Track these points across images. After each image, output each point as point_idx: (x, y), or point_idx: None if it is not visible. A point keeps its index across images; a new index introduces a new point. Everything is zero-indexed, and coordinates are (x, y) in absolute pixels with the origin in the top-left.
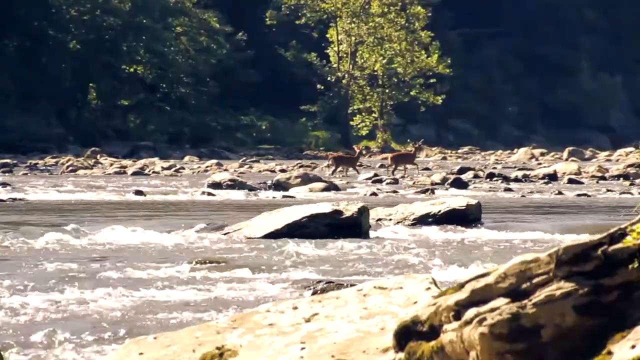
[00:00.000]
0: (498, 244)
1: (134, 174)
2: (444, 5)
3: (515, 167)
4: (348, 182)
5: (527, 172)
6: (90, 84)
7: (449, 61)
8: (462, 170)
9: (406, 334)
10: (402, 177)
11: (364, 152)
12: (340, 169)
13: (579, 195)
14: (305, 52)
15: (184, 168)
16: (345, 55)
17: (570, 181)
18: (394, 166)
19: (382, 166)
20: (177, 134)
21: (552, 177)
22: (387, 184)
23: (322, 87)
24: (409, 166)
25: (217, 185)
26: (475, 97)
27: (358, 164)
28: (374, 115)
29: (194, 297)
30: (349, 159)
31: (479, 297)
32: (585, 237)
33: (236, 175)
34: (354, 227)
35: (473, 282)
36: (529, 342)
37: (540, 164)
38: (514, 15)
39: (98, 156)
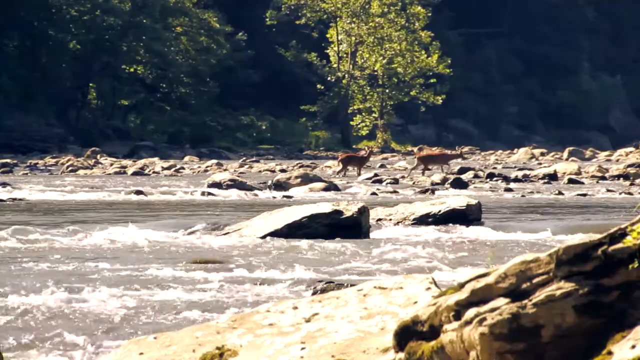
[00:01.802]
0: (498, 244)
1: (134, 174)
2: (444, 5)
3: (515, 167)
4: (348, 182)
5: (527, 172)
6: (90, 84)
7: (449, 61)
8: (462, 170)
9: (406, 334)
10: (411, 175)
11: (374, 152)
12: (348, 169)
13: (579, 195)
14: (305, 52)
15: (184, 168)
16: (345, 55)
17: (570, 181)
18: (422, 165)
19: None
20: (177, 134)
21: (552, 177)
22: (387, 184)
23: (322, 87)
24: (436, 167)
25: (217, 185)
26: (475, 97)
27: (367, 164)
28: (374, 115)
29: (194, 297)
30: (357, 159)
31: (479, 297)
32: (585, 237)
33: (236, 175)
34: (354, 227)
35: (473, 282)
36: (529, 342)
37: (540, 164)
38: (514, 15)
39: (98, 156)
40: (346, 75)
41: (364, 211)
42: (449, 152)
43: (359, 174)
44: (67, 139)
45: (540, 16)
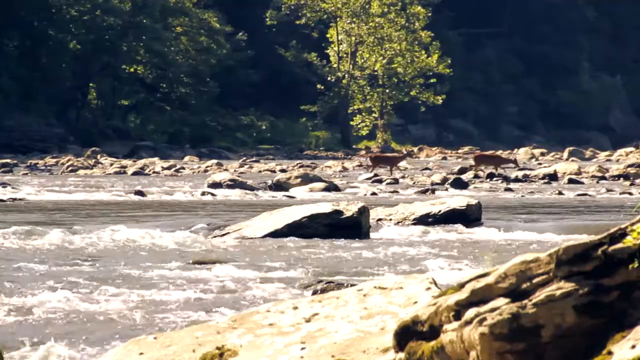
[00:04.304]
0: (498, 244)
1: (134, 174)
2: (444, 5)
3: (515, 167)
4: (348, 182)
5: (527, 172)
6: (90, 84)
7: (449, 61)
8: (462, 170)
9: (406, 334)
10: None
11: (411, 154)
12: (379, 168)
13: (579, 195)
14: (305, 52)
15: (184, 168)
16: (345, 55)
17: (571, 181)
18: (481, 165)
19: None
20: (177, 134)
21: (552, 177)
22: (387, 184)
23: (322, 87)
24: (492, 168)
25: (217, 185)
26: (475, 97)
27: (401, 165)
28: (374, 115)
29: (194, 297)
30: (389, 159)
31: (479, 297)
32: (585, 237)
33: (236, 175)
34: (354, 227)
35: (473, 282)
36: (529, 342)
37: (540, 164)
38: (514, 15)
39: (98, 156)
40: (346, 75)
41: (364, 211)
42: (503, 155)
43: (391, 174)
44: (67, 139)
45: (540, 16)
